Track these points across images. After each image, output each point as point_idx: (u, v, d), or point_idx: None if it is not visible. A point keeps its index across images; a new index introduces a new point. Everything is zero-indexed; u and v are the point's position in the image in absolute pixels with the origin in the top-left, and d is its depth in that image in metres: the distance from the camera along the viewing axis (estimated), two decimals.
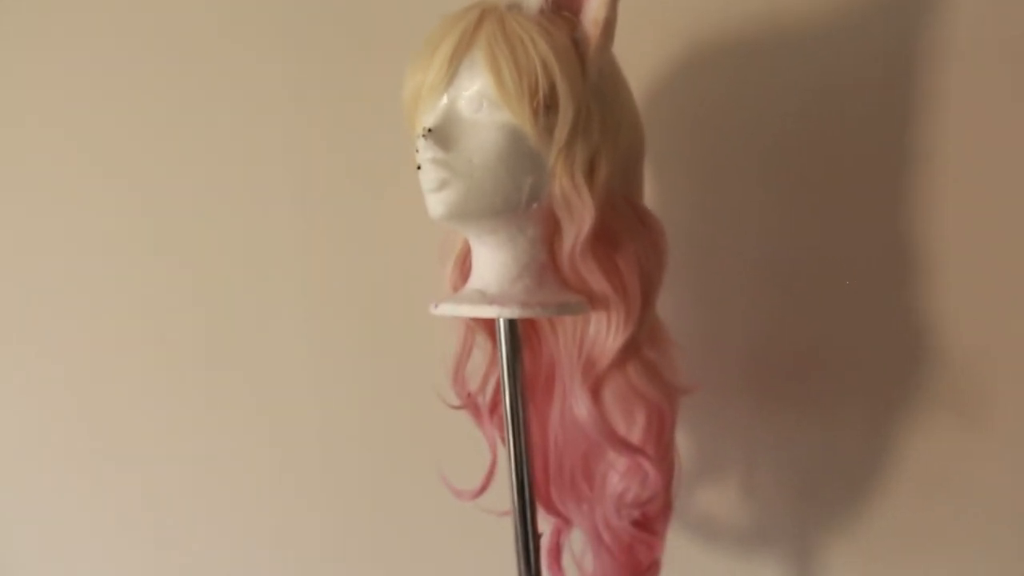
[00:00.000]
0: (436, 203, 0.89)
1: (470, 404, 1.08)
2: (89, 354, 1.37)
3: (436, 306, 0.96)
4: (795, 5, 1.13)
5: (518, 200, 0.89)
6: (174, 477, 1.39)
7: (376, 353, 1.30)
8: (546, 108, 0.87)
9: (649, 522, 1.05)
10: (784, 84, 1.14)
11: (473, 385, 1.08)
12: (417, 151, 0.90)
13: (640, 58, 0.99)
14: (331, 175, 1.27)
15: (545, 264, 0.95)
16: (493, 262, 0.95)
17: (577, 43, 0.89)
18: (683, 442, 1.12)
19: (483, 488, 1.09)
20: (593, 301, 0.94)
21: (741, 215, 1.18)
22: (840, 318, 1.18)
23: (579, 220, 0.90)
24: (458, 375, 1.07)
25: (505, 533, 1.03)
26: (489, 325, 1.04)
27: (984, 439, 1.17)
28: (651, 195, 1.04)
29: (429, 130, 0.88)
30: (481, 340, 1.06)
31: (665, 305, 1.00)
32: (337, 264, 1.29)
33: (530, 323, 1.06)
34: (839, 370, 1.19)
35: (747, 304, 1.19)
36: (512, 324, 0.96)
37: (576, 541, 1.13)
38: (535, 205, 0.90)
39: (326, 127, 1.26)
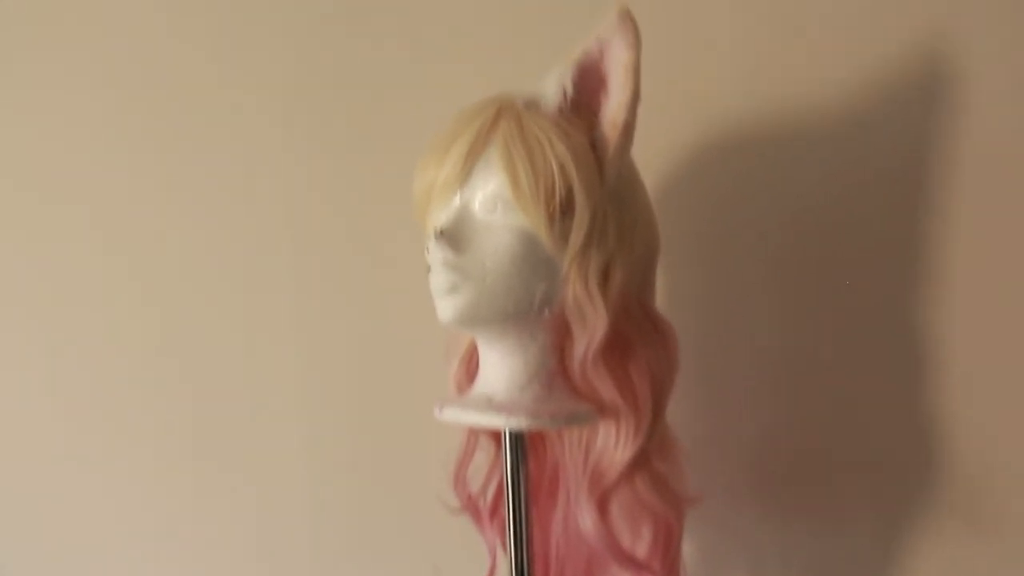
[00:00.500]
0: (446, 307, 0.86)
1: (471, 507, 1.05)
2: (77, 456, 1.32)
3: (441, 410, 0.93)
4: (806, 99, 1.12)
5: (530, 306, 0.86)
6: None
7: (373, 451, 1.25)
8: (562, 213, 0.84)
9: None
10: (794, 178, 1.13)
11: (474, 487, 1.04)
12: (428, 251, 0.87)
13: (651, 152, 0.97)
14: (333, 261, 1.24)
15: (555, 371, 0.91)
16: (502, 367, 0.91)
17: (595, 144, 0.87)
18: (687, 548, 1.07)
19: None
20: (603, 410, 0.90)
21: (748, 312, 1.16)
22: (849, 420, 1.14)
23: (592, 328, 0.87)
24: (459, 477, 1.03)
25: None
26: (494, 428, 1.00)
27: (997, 549, 1.13)
28: (658, 291, 1.01)
29: (441, 231, 0.85)
30: (484, 442, 1.02)
31: (668, 406, 0.97)
32: (335, 354, 1.25)
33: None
34: (848, 474, 1.15)
35: (753, 404, 1.16)
36: (518, 432, 0.92)
37: None
38: (546, 311, 0.88)
39: (329, 216, 1.24)
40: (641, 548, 0.96)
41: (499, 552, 1.04)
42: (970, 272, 1.10)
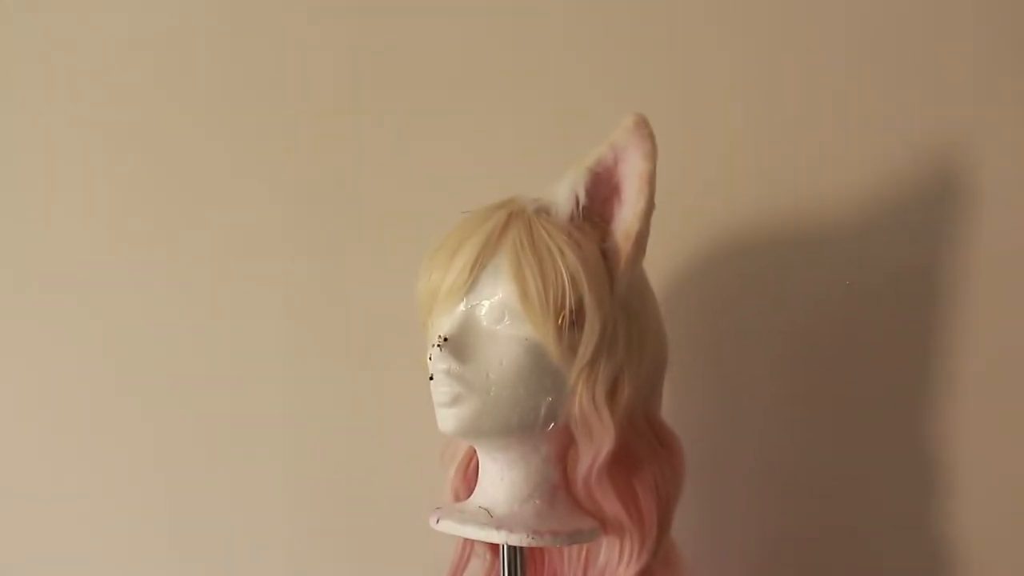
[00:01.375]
0: (447, 418, 0.84)
1: None
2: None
3: (437, 521, 0.90)
4: (815, 201, 1.11)
5: (535, 419, 0.84)
6: None
7: (365, 558, 1.21)
8: (571, 324, 0.82)
9: None
10: (801, 281, 1.12)
11: None
12: (430, 359, 0.85)
13: (656, 253, 0.95)
14: (327, 356, 1.21)
15: (557, 484, 0.89)
16: (502, 480, 0.89)
17: (606, 254, 0.85)
18: None
19: None
20: (606, 526, 0.88)
21: (753, 420, 1.14)
22: (857, 538, 1.12)
23: (598, 443, 0.84)
24: None
25: None
26: None
27: None
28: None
29: (445, 339, 0.83)
30: (480, 550, 0.99)
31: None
32: (327, 456, 1.21)
33: None
34: None
35: (757, 518, 1.13)
36: (518, 548, 0.89)
37: None
38: (552, 425, 0.85)
39: (324, 304, 1.21)
40: None
41: None
42: (983, 378, 1.08)
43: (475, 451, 0.95)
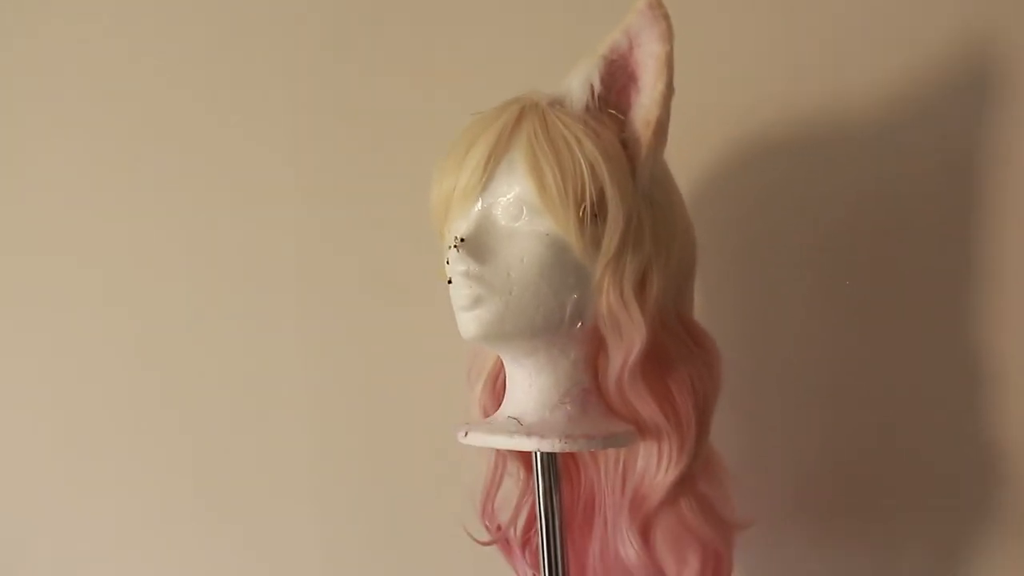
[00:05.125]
0: (469, 322, 0.80)
1: (500, 538, 0.98)
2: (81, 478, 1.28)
3: (465, 434, 0.86)
4: (843, 101, 1.07)
5: (561, 319, 0.80)
6: None
7: (394, 480, 1.19)
8: (593, 216, 0.78)
9: None
10: (833, 184, 1.07)
11: (503, 517, 0.97)
12: (448, 263, 0.81)
13: (682, 161, 0.91)
14: (345, 275, 1.20)
15: (589, 389, 0.85)
16: (531, 387, 0.85)
17: (626, 144, 0.81)
18: None
19: None
20: (642, 430, 0.84)
21: (789, 327, 1.10)
22: (900, 442, 1.08)
23: (628, 341, 0.80)
24: (487, 507, 0.97)
25: None
26: (523, 453, 0.94)
27: None
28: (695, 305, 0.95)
29: (461, 240, 0.80)
30: (513, 468, 0.96)
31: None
32: (351, 377, 1.20)
33: (569, 452, 0.95)
34: (899, 500, 1.08)
35: (796, 426, 1.09)
36: (551, 456, 0.86)
37: None
38: (579, 324, 0.82)
39: (339, 222, 1.20)
40: None
41: None
42: (1022, 281, 1.03)
43: (502, 365, 0.91)
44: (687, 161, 1.01)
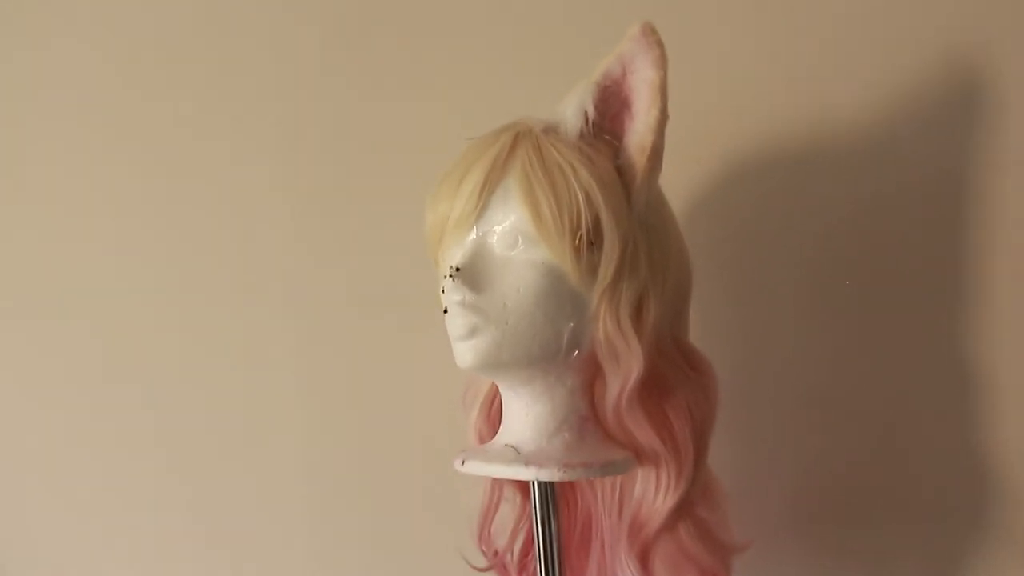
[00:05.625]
0: (465, 351, 0.80)
1: (497, 564, 0.98)
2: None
3: (463, 463, 0.86)
4: (835, 113, 1.07)
5: (558, 347, 0.80)
6: None
7: (391, 509, 1.19)
8: (589, 244, 0.78)
9: None
10: (825, 198, 1.08)
11: (500, 542, 0.97)
12: (443, 292, 0.81)
13: (675, 176, 0.91)
14: (337, 288, 1.19)
15: (586, 416, 0.85)
16: (528, 415, 0.85)
17: (621, 171, 0.81)
18: None
19: None
20: (640, 456, 0.84)
21: (782, 343, 1.10)
22: (894, 456, 1.08)
23: (626, 368, 0.80)
24: (484, 532, 0.97)
25: None
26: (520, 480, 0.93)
27: None
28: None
29: (457, 269, 0.79)
30: (510, 493, 0.96)
31: None
32: (345, 404, 1.19)
33: None
34: (894, 515, 1.09)
35: (791, 442, 1.10)
36: (548, 485, 0.85)
37: None
38: (576, 352, 0.81)
39: (332, 246, 1.19)
40: None
41: None
42: (1018, 288, 1.04)
43: (498, 390, 0.91)
44: (679, 179, 1.00)
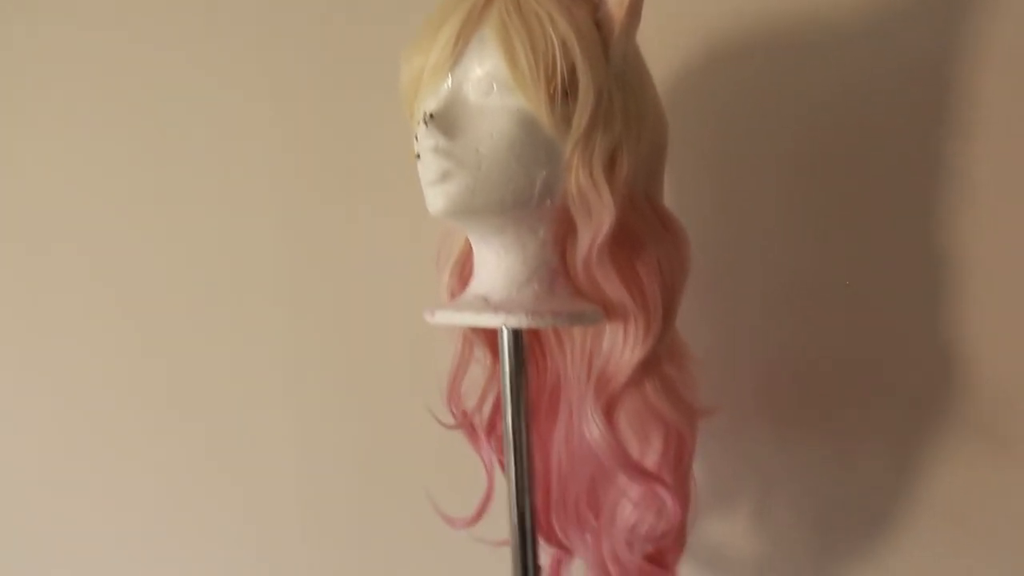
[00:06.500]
0: (437, 196, 0.80)
1: (465, 424, 0.99)
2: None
3: (433, 313, 0.86)
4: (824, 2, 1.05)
5: (530, 195, 0.80)
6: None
7: (363, 364, 1.20)
8: (564, 94, 0.78)
9: (662, 556, 0.95)
10: (808, 83, 1.06)
11: (469, 403, 0.98)
12: (416, 139, 0.80)
13: (659, 54, 0.91)
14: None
15: (556, 269, 0.85)
16: (498, 266, 0.85)
17: (600, 25, 0.80)
18: (694, 468, 1.01)
19: (478, 516, 1.00)
20: (609, 311, 0.84)
21: (759, 221, 1.09)
22: (864, 339, 1.08)
23: (597, 220, 0.80)
24: (453, 391, 0.98)
25: (501, 564, 0.93)
26: (490, 336, 0.94)
27: (1015, 471, 1.07)
28: (665, 201, 0.94)
29: (431, 115, 0.79)
30: (480, 353, 0.96)
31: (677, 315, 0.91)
32: (324, 260, 1.20)
33: (535, 336, 0.96)
34: (862, 393, 1.09)
35: (763, 319, 1.10)
36: (517, 335, 0.86)
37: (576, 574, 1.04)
38: (548, 202, 0.81)
39: (310, 118, 1.19)
40: (651, 458, 0.91)
41: (496, 473, 0.99)
42: (996, 183, 1.03)
43: (470, 249, 0.91)
44: (663, 54, 1.01)
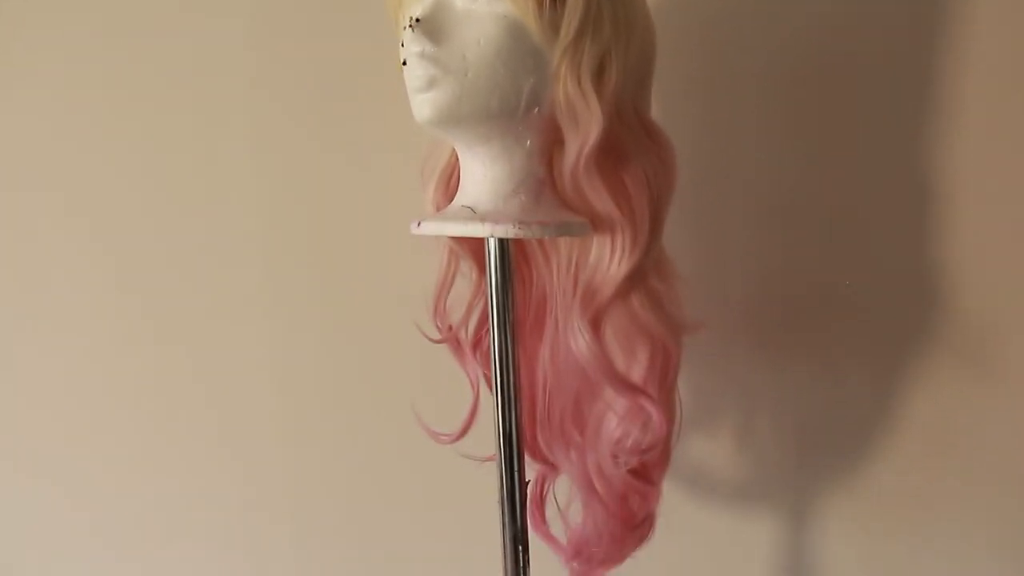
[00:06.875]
0: (423, 104, 0.78)
1: (451, 339, 0.99)
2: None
3: (419, 224, 0.86)
4: None
5: (517, 103, 0.79)
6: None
7: (346, 277, 1.19)
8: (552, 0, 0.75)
9: (647, 471, 0.95)
10: (795, 8, 1.05)
11: (455, 318, 0.98)
12: (402, 45, 0.79)
13: None
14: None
15: (543, 180, 0.84)
16: (485, 176, 0.84)
17: None
18: (679, 387, 1.02)
19: (464, 431, 1.00)
20: (596, 223, 0.84)
21: (744, 142, 1.09)
22: (848, 260, 1.09)
23: (584, 130, 0.79)
24: (439, 306, 0.98)
25: (487, 479, 0.94)
26: (476, 249, 0.93)
27: (995, 394, 1.09)
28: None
29: (417, 20, 0.77)
30: (465, 267, 0.96)
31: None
32: (303, 179, 1.19)
33: (520, 249, 0.96)
34: (844, 315, 1.11)
35: (748, 239, 1.10)
36: (504, 246, 0.85)
37: (560, 491, 1.05)
38: (535, 111, 0.80)
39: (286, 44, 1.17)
40: (636, 372, 0.90)
41: (482, 387, 0.99)
42: (983, 107, 1.03)
43: (456, 163, 0.90)
44: None
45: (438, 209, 0.93)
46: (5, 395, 1.31)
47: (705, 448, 1.16)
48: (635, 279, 0.84)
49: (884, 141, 1.06)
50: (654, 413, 0.89)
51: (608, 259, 0.84)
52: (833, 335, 1.11)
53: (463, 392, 0.99)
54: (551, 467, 1.02)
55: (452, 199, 0.90)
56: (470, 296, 0.97)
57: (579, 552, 0.99)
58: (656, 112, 0.90)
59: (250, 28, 1.15)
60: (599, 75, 0.79)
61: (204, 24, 1.16)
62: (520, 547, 0.92)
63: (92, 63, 1.19)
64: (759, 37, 1.06)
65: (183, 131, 1.19)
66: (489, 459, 0.94)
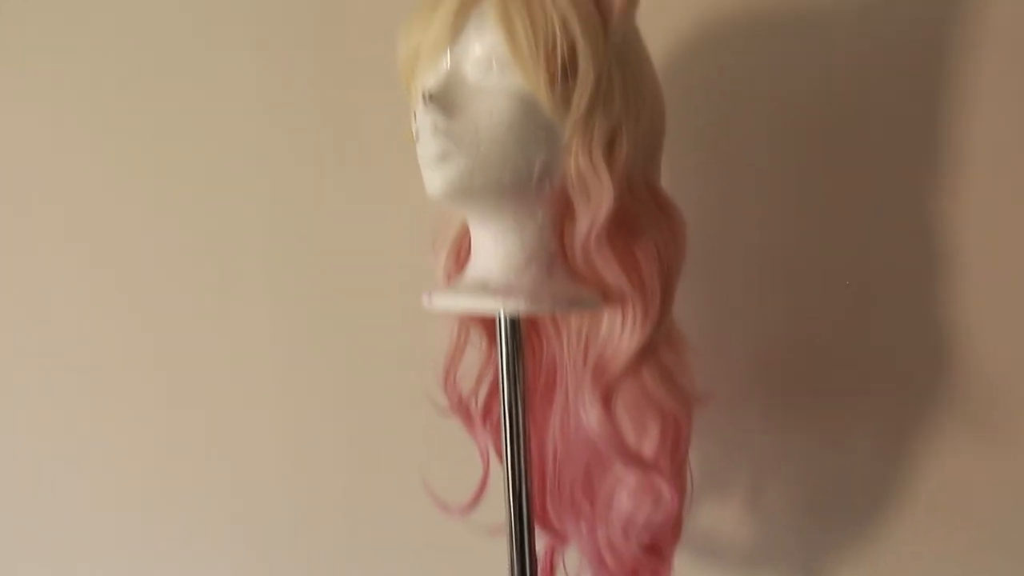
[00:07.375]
0: (435, 178, 0.78)
1: (461, 409, 0.98)
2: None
3: (431, 298, 0.85)
4: None
5: (528, 177, 0.79)
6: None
7: (358, 348, 1.19)
8: (563, 74, 0.76)
9: (658, 546, 0.94)
10: (803, 65, 1.05)
11: (465, 388, 0.97)
12: (415, 119, 0.79)
13: (652, 35, 0.89)
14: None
15: (555, 254, 0.84)
16: (496, 250, 0.84)
17: (599, 3, 0.79)
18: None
19: (474, 502, 0.99)
20: (607, 296, 0.83)
21: (751, 205, 1.08)
22: (856, 323, 1.08)
23: (596, 204, 0.79)
24: (449, 376, 0.97)
25: (496, 552, 0.93)
26: (486, 321, 0.93)
27: (1008, 463, 1.07)
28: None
29: (430, 95, 0.77)
30: (476, 337, 0.95)
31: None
32: (317, 240, 1.19)
33: (531, 320, 0.95)
34: (853, 381, 1.09)
35: (755, 304, 1.10)
36: (515, 320, 0.85)
37: (570, 561, 1.04)
38: (547, 185, 0.80)
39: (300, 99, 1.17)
40: (648, 446, 0.90)
41: (492, 458, 0.98)
42: (990, 166, 1.02)
43: (467, 232, 0.90)
44: (658, 29, 0.98)
45: (449, 277, 0.93)
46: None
47: (714, 515, 1.14)
48: (646, 353, 0.84)
49: (891, 202, 1.05)
50: (666, 489, 0.88)
51: (619, 332, 0.83)
52: (841, 399, 1.10)
53: (473, 462, 0.99)
54: (561, 537, 1.01)
55: (463, 266, 0.90)
56: (480, 366, 0.97)
57: None
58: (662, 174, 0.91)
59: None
60: (610, 149, 0.79)
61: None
62: None
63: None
64: (759, 100, 1.06)
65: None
66: (498, 531, 0.93)
